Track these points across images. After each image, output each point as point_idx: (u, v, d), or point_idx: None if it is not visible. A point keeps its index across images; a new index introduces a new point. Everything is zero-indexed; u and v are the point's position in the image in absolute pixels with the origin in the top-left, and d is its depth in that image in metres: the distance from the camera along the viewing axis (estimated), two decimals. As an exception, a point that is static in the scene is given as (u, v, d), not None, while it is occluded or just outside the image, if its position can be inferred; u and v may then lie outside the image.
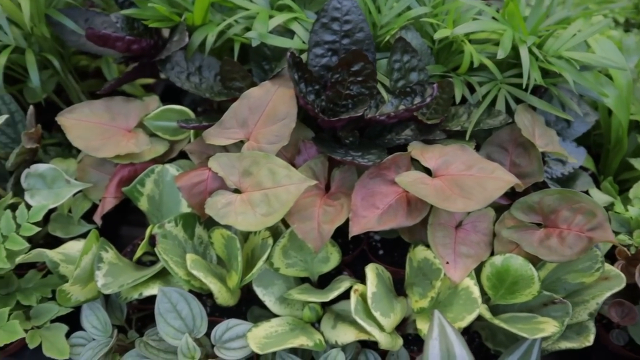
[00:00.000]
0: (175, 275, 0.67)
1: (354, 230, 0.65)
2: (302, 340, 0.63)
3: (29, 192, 0.77)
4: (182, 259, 0.69)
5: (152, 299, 0.68)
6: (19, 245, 0.71)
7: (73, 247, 0.75)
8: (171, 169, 0.74)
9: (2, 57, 0.78)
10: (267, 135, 0.70)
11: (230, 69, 0.76)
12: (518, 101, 0.76)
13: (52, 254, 0.70)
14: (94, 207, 0.80)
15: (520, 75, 0.76)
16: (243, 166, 0.69)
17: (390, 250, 0.83)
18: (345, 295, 0.67)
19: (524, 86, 0.69)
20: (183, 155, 0.80)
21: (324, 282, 0.75)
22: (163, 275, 0.71)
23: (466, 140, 0.71)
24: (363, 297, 0.65)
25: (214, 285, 0.66)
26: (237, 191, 0.69)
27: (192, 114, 0.78)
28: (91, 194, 0.80)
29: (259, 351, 0.62)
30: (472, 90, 0.78)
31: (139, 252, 0.74)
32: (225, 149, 0.77)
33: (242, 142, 0.73)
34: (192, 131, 0.78)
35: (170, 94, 1.04)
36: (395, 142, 0.74)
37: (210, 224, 0.75)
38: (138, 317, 0.79)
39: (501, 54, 0.67)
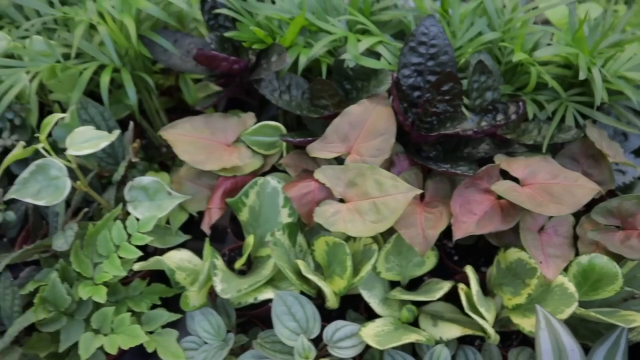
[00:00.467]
0: (290, 279, 0.72)
1: (457, 234, 0.71)
2: (414, 337, 0.69)
3: (132, 203, 0.81)
4: (289, 265, 0.74)
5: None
6: (133, 254, 0.75)
7: (176, 256, 0.79)
8: (272, 181, 0.79)
9: (105, 76, 0.82)
10: (369, 149, 0.76)
11: (320, 88, 0.82)
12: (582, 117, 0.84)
13: (169, 262, 0.74)
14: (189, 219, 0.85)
15: (581, 94, 0.85)
16: (348, 177, 0.75)
17: (464, 256, 0.90)
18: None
19: (596, 103, 0.77)
20: (273, 169, 0.85)
21: (410, 286, 0.81)
22: (271, 280, 0.76)
23: (543, 153, 0.79)
24: (467, 295, 0.72)
25: (327, 288, 0.72)
26: (341, 201, 0.75)
27: (284, 130, 0.84)
28: (188, 206, 0.84)
29: (379, 346, 0.67)
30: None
31: (242, 261, 0.78)
32: (315, 162, 0.83)
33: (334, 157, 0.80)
34: (284, 145, 0.84)
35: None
36: (476, 156, 0.81)
37: (308, 233, 0.81)
38: (238, 322, 0.83)
39: (582, 75, 0.75)
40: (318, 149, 0.77)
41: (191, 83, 0.97)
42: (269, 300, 0.78)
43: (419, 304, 0.78)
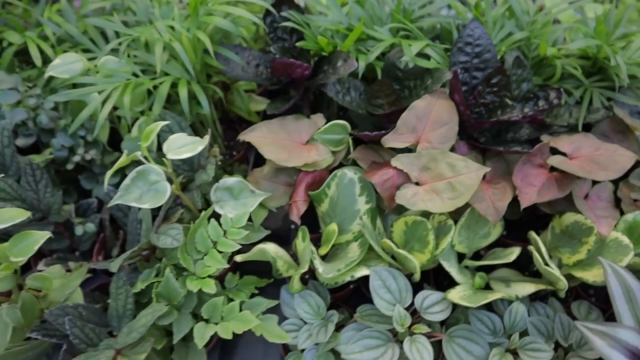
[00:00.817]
0: (382, 255, 0.80)
1: (524, 203, 0.82)
2: (499, 294, 0.78)
3: (218, 203, 0.87)
4: (376, 244, 0.83)
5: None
6: (231, 247, 0.81)
7: (270, 248, 0.86)
8: (349, 173, 0.87)
9: (182, 89, 0.89)
10: (437, 137, 0.86)
11: (378, 88, 0.92)
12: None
13: (271, 251, 0.81)
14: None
15: (600, 80, 0.99)
16: (421, 163, 0.84)
17: (510, 230, 1.01)
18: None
19: (625, 83, 0.90)
20: (340, 165, 0.94)
21: (473, 258, 0.90)
22: (361, 261, 0.84)
23: (579, 132, 0.91)
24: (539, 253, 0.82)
25: (416, 261, 0.80)
26: (417, 184, 0.84)
27: (349, 128, 0.92)
28: (268, 203, 0.90)
29: (472, 304, 0.76)
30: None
31: (327, 247, 0.86)
32: (382, 154, 0.92)
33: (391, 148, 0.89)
34: (351, 142, 0.92)
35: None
36: (519, 139, 0.92)
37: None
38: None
39: (613, 62, 0.88)
40: (392, 140, 0.86)
41: (244, 94, 1.05)
42: (350, 283, 0.86)
43: (487, 272, 0.88)
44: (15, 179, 0.92)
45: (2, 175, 0.93)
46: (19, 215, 0.74)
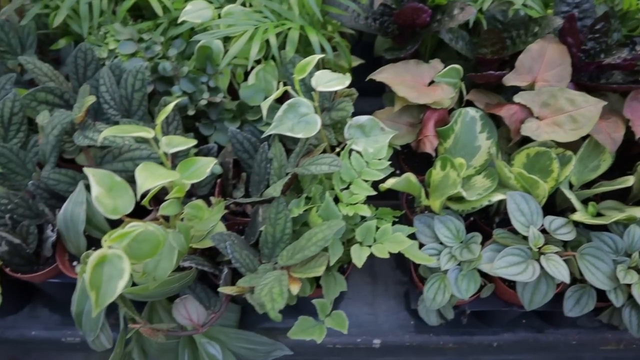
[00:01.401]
0: (514, 184, 0.87)
1: (639, 132, 0.90)
2: (623, 215, 0.86)
3: (350, 140, 0.91)
4: (502, 175, 0.89)
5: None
6: (376, 176, 0.86)
7: (393, 180, 0.91)
8: (471, 111, 0.93)
9: (312, 34, 0.93)
10: (553, 76, 0.93)
11: (487, 37, 0.99)
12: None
13: (415, 180, 0.86)
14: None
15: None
16: (541, 99, 0.91)
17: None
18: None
19: None
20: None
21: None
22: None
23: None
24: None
25: (546, 187, 0.87)
26: (537, 119, 0.91)
27: (461, 70, 0.98)
28: (392, 141, 0.95)
29: (604, 222, 0.83)
30: None
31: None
32: (489, 97, 0.99)
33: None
34: (463, 85, 0.99)
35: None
36: (614, 83, 1.01)
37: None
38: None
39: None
40: (513, 79, 0.93)
41: (346, 48, 1.09)
42: (471, 215, 0.92)
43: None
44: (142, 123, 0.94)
45: (127, 119, 0.96)
46: (186, 142, 0.77)
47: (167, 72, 0.97)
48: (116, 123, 0.95)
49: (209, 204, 0.98)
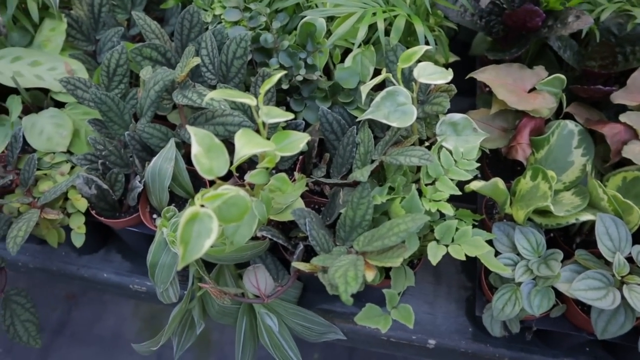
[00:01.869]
0: (605, 206, 0.83)
1: None
2: None
3: (441, 137, 0.90)
4: (594, 195, 0.86)
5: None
6: (463, 176, 0.84)
7: (480, 183, 0.89)
8: (570, 124, 0.90)
9: (418, 24, 0.92)
10: (666, 100, 0.88)
11: (598, 50, 0.94)
12: None
13: (503, 187, 0.84)
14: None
15: None
16: (649, 122, 0.87)
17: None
18: None
19: None
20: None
21: None
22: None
23: None
24: None
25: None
26: (642, 142, 0.87)
27: (565, 81, 0.95)
28: (482, 144, 0.94)
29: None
30: None
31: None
32: (590, 113, 0.94)
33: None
34: (564, 97, 0.95)
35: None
36: None
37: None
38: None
39: None
40: (621, 97, 0.89)
41: (447, 47, 1.07)
42: (551, 230, 0.89)
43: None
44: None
45: (224, 84, 0.98)
46: (284, 114, 0.77)
47: (268, 44, 0.98)
48: (212, 87, 0.98)
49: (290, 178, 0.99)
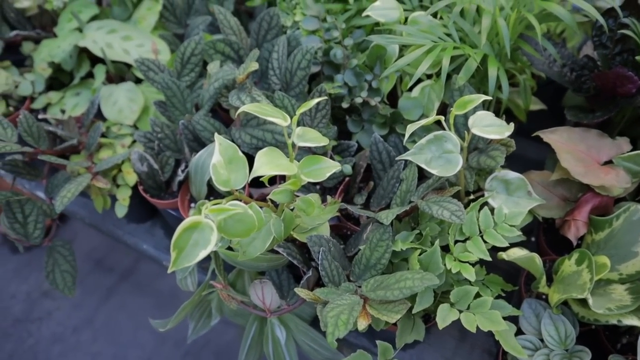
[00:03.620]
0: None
1: None
2: None
3: (489, 193, 0.83)
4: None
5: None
6: (498, 242, 0.77)
7: (516, 253, 0.81)
8: (642, 211, 0.79)
9: (492, 67, 0.85)
10: None
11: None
12: None
13: (539, 263, 0.76)
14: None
15: None
16: None
17: None
18: None
19: None
20: (621, 199, 0.85)
21: None
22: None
23: None
24: None
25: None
26: None
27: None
28: (536, 210, 0.85)
29: None
30: None
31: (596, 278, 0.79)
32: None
33: None
34: (646, 178, 0.83)
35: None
36: None
37: None
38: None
39: None
40: None
41: (529, 90, 0.98)
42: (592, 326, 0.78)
43: None
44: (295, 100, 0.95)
45: (285, 92, 0.97)
46: (319, 139, 0.76)
47: (337, 59, 0.96)
48: (273, 92, 0.98)
49: (330, 195, 0.98)
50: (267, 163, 0.69)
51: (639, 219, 0.79)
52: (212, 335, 2.02)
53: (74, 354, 1.98)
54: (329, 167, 0.75)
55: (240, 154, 0.70)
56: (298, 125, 0.84)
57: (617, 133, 0.94)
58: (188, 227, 0.64)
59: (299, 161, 0.75)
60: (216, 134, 0.70)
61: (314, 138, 0.75)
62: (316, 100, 0.73)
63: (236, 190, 0.71)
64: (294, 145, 0.74)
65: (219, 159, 0.68)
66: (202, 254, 0.64)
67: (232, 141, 0.98)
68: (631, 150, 0.82)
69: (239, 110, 0.71)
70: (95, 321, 2.08)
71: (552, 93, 1.12)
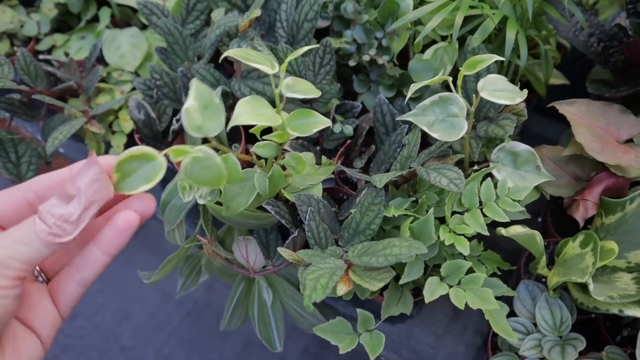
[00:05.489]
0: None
1: None
2: None
3: (494, 164, 0.78)
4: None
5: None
6: (498, 216, 0.72)
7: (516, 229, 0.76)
8: (660, 196, 0.73)
9: (510, 30, 0.78)
10: None
11: None
12: None
13: (541, 243, 0.71)
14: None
15: None
16: None
17: None
18: None
19: None
20: (636, 183, 0.79)
21: None
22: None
23: None
24: None
25: None
26: None
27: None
28: (544, 186, 0.80)
29: None
30: None
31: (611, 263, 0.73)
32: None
33: None
34: (669, 162, 0.77)
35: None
36: None
37: None
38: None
39: None
40: None
41: (551, 61, 0.91)
42: (592, 314, 0.73)
43: None
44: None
45: (289, 45, 0.92)
46: (310, 91, 0.70)
47: (347, 14, 0.91)
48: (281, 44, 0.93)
49: (329, 159, 0.93)
50: (248, 112, 0.64)
51: (654, 203, 0.73)
52: (214, 297, 2.02)
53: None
54: (317, 123, 0.70)
55: (218, 100, 0.66)
56: (295, 76, 0.79)
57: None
58: (138, 155, 0.57)
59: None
60: (194, 80, 0.65)
61: (304, 89, 0.70)
62: (305, 48, 0.68)
63: (212, 138, 0.66)
64: (281, 96, 0.69)
65: (192, 104, 0.63)
66: (142, 188, 0.57)
67: (232, 93, 0.94)
68: (655, 130, 0.76)
69: (222, 55, 0.66)
70: (103, 275, 2.10)
71: (579, 71, 1.04)
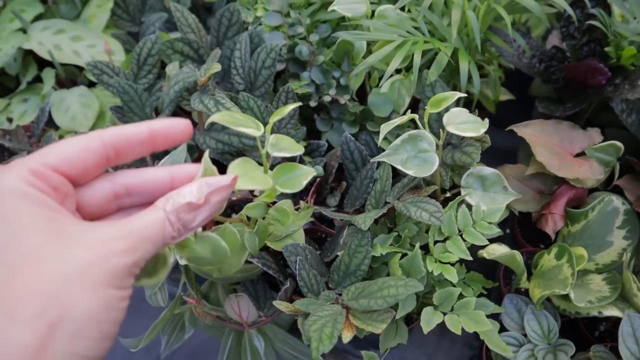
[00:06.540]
0: (637, 303, 0.73)
1: None
2: None
3: (465, 189, 0.82)
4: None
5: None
6: (478, 241, 0.76)
7: (499, 250, 0.80)
8: (616, 201, 0.79)
9: (463, 60, 0.83)
10: None
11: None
12: None
13: (521, 261, 0.76)
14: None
15: None
16: None
17: None
18: None
19: None
20: (594, 189, 0.86)
21: None
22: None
23: None
24: None
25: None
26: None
27: (622, 149, 0.83)
28: (512, 204, 0.85)
29: None
30: None
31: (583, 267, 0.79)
32: (646, 191, 0.83)
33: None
34: (617, 167, 0.84)
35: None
36: None
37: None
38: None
39: None
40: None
41: (498, 81, 0.97)
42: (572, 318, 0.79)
43: None
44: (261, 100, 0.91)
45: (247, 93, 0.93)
46: (294, 148, 0.72)
47: (303, 56, 0.93)
48: (237, 92, 0.93)
49: (301, 199, 0.94)
50: (242, 176, 0.65)
51: (612, 209, 0.79)
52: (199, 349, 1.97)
53: None
54: (304, 175, 0.71)
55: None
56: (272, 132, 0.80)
57: (584, 121, 0.94)
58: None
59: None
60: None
61: (288, 147, 0.71)
62: (291, 107, 0.69)
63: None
64: (268, 155, 0.70)
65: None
66: (163, 274, 0.58)
67: (197, 146, 0.94)
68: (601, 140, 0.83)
69: (208, 120, 0.66)
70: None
71: (518, 82, 1.11)
